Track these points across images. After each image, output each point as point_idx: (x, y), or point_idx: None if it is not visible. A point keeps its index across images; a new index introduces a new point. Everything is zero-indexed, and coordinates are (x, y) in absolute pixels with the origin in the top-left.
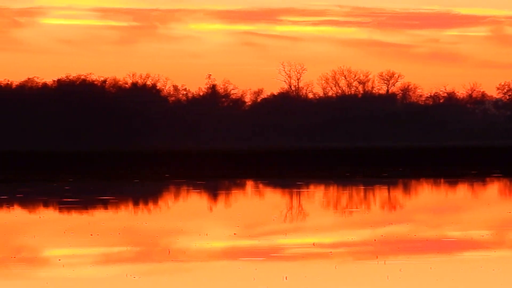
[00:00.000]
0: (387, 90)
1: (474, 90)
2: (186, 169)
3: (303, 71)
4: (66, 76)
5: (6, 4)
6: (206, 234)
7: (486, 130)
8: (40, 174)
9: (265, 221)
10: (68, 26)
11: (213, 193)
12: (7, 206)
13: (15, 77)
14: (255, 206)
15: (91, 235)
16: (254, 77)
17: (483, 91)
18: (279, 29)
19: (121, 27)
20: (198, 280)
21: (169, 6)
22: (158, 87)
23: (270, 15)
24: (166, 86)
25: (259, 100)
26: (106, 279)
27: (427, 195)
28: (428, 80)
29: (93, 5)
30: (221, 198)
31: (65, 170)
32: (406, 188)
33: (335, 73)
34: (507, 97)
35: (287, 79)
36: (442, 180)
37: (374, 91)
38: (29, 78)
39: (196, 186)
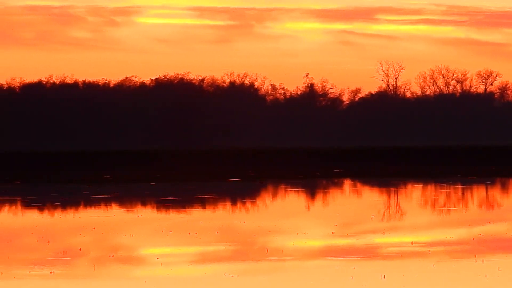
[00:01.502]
0: (485, 89)
1: None
2: (283, 168)
3: (401, 70)
4: (164, 75)
5: (102, 3)
6: (304, 233)
7: None
8: (139, 173)
9: (363, 220)
10: (164, 25)
11: (311, 192)
12: (106, 205)
13: (113, 76)
14: (353, 205)
15: (189, 233)
16: (351, 76)
17: None
18: (376, 28)
19: (217, 26)
20: (295, 279)
21: (265, 5)
22: (256, 86)
23: (367, 14)
24: (264, 85)
25: (357, 99)
26: (204, 278)
27: None
28: None
29: (189, 4)
30: (319, 197)
31: (164, 169)
32: (505, 187)
33: (433, 72)
34: None
35: (385, 78)
36: None
37: (472, 90)
38: (126, 77)
39: (294, 185)
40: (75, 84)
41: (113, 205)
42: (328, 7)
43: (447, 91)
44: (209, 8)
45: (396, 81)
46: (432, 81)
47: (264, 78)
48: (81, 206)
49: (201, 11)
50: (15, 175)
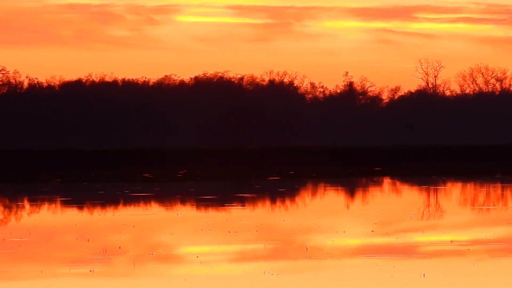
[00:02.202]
0: None
1: None
2: (322, 166)
3: (440, 69)
4: (203, 74)
5: (141, 1)
6: (344, 231)
7: None
8: (178, 171)
9: (403, 218)
10: (203, 23)
11: (350, 190)
12: (145, 204)
13: (152, 75)
14: (392, 204)
15: (229, 232)
16: (391, 75)
17: None
18: (414, 26)
19: (256, 24)
20: (335, 278)
21: (304, 3)
22: (295, 85)
23: (405, 12)
24: (303, 84)
25: (396, 97)
26: (244, 276)
27: None
28: None
29: (228, 2)
30: (358, 195)
31: (203, 168)
32: None
33: (473, 71)
34: None
35: (424, 76)
36: None
37: (511, 89)
38: (166, 76)
39: (333, 184)
40: (114, 83)
41: (153, 203)
42: (366, 5)
43: (487, 90)
44: (248, 7)
45: (435, 80)
46: (471, 80)
47: (303, 76)
48: (120, 205)
49: (240, 10)
50: (56, 173)
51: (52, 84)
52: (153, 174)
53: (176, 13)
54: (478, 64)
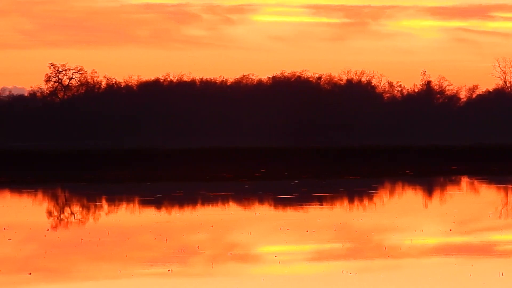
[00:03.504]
0: None
1: None
2: (399, 165)
3: None
4: (281, 73)
5: (218, 1)
6: (422, 231)
7: None
8: (254, 170)
9: (481, 217)
10: (280, 23)
11: (428, 189)
12: (223, 203)
13: (230, 74)
14: (471, 203)
15: (307, 231)
16: (468, 74)
17: None
18: (491, 25)
19: (333, 23)
20: (413, 277)
21: (381, 2)
22: (373, 84)
23: (482, 11)
24: (381, 83)
25: (474, 96)
26: (322, 276)
27: None
28: None
29: (305, 2)
30: (436, 194)
31: (281, 167)
32: None
33: None
34: None
35: (502, 75)
36: None
37: None
38: (244, 75)
39: (411, 182)
40: (192, 82)
41: (231, 203)
42: (443, 4)
43: None
44: (324, 6)
45: None
46: None
47: (381, 75)
48: (199, 204)
49: (317, 9)
50: (133, 172)
51: (130, 84)
52: (231, 173)
53: (253, 13)
54: None
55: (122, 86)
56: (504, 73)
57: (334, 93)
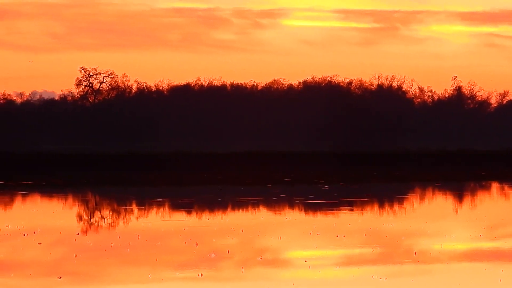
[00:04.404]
0: None
1: None
2: (430, 170)
3: None
4: (312, 78)
5: (248, 6)
6: (452, 236)
7: None
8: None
9: (510, 223)
10: (310, 27)
11: (458, 194)
12: (253, 208)
13: (261, 79)
14: (501, 208)
15: (337, 236)
16: (499, 79)
17: None
18: None
19: (363, 28)
20: (443, 282)
21: (411, 7)
22: (403, 89)
23: None
24: (411, 88)
25: (504, 101)
26: (352, 280)
27: None
28: None
29: (335, 6)
30: (467, 200)
31: (310, 171)
32: None
33: None
34: None
35: None
36: None
37: None
38: (274, 80)
39: (441, 187)
40: (223, 87)
41: (261, 207)
42: (474, 9)
43: None
44: (354, 11)
45: None
46: None
47: (412, 80)
48: (228, 209)
49: (346, 14)
50: (165, 176)
51: (161, 88)
52: (260, 178)
53: (283, 17)
54: None
55: (152, 90)
56: None
57: (364, 98)
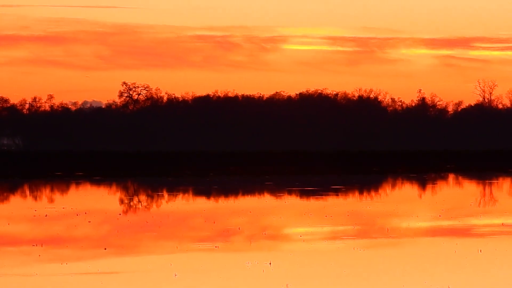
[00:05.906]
0: None
1: None
2: (400, 165)
3: (494, 87)
4: (306, 90)
5: (255, 33)
6: (417, 216)
7: None
8: (286, 169)
9: (464, 206)
10: (305, 51)
11: (422, 184)
12: (260, 194)
13: (266, 91)
14: (456, 194)
15: (325, 216)
16: (455, 92)
17: None
18: (473, 53)
19: (347, 51)
20: (410, 253)
21: (385, 35)
22: (379, 99)
23: (465, 42)
24: (385, 99)
25: (459, 110)
26: (337, 251)
27: None
28: None
29: (324, 34)
30: (429, 187)
31: (306, 166)
32: None
33: None
34: None
35: (481, 93)
36: None
37: None
38: (276, 92)
39: (409, 179)
40: (235, 97)
41: (266, 193)
42: (435, 36)
43: None
44: (340, 37)
45: (490, 96)
46: None
47: (385, 93)
48: (239, 194)
49: (334, 40)
50: (192, 170)
51: (186, 98)
52: (270, 170)
53: (283, 43)
54: None
55: (180, 100)
56: (483, 91)
57: (348, 107)
